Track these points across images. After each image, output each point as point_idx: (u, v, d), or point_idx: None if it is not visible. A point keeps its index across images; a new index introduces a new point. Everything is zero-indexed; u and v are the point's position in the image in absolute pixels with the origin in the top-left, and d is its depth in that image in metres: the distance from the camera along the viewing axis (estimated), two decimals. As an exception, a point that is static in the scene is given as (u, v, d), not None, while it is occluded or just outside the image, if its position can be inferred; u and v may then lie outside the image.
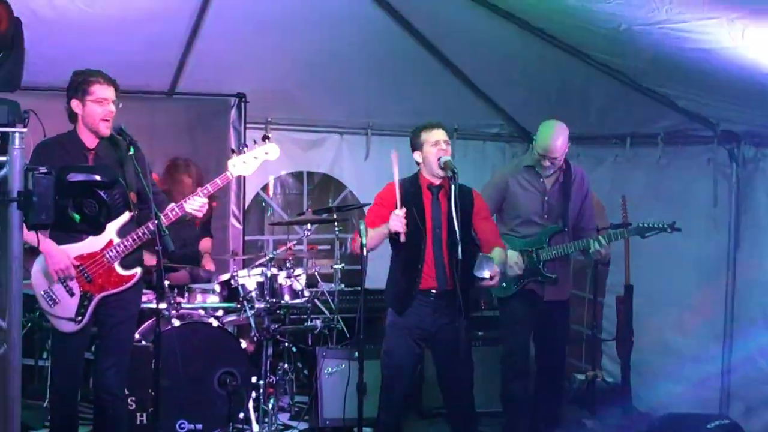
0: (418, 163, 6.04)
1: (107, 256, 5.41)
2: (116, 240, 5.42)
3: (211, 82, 8.43)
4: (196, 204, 5.51)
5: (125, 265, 5.50)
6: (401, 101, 8.91)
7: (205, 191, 5.58)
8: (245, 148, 5.71)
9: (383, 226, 5.69)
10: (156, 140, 7.80)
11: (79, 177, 3.79)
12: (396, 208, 5.65)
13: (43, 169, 3.75)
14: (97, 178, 3.82)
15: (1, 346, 3.82)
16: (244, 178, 8.56)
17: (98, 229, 3.97)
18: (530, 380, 6.74)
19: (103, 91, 5.37)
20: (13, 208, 3.72)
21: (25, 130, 3.74)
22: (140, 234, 5.44)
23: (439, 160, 5.81)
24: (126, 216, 5.43)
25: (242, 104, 8.57)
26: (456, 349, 5.72)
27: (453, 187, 5.60)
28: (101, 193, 3.81)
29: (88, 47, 7.25)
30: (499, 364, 6.83)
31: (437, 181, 5.94)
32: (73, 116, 5.41)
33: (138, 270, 5.59)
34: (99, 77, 5.41)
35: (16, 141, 3.73)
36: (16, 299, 3.82)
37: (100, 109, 5.36)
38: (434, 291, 5.83)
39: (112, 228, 5.40)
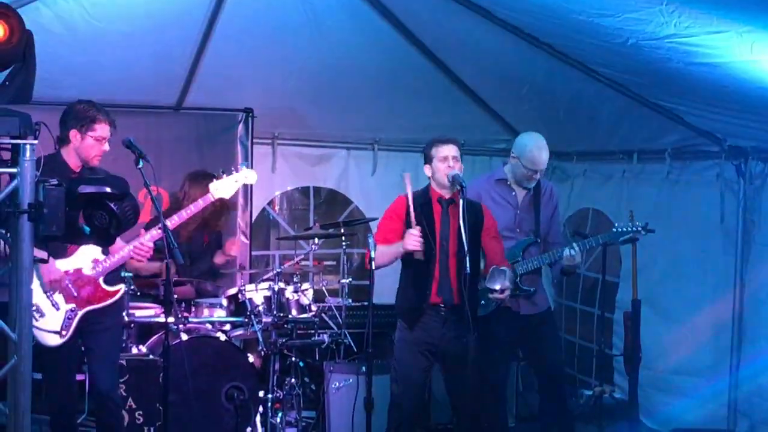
0: (428, 177, 6.06)
1: (93, 271, 5.52)
2: (101, 257, 5.55)
3: (219, 97, 8.43)
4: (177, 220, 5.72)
5: (109, 281, 5.64)
6: (409, 116, 8.93)
7: (189, 211, 5.80)
8: (224, 174, 5.97)
9: (397, 245, 5.74)
10: (163, 155, 7.82)
11: (90, 189, 3.82)
12: (407, 221, 5.67)
13: (54, 181, 3.78)
14: (108, 190, 3.84)
15: (12, 357, 3.83)
16: (252, 192, 8.61)
17: (108, 241, 4.00)
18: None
19: (104, 131, 5.54)
20: (23, 219, 3.74)
21: (36, 142, 3.77)
22: (125, 251, 5.60)
23: (447, 175, 5.83)
24: None
25: (249, 119, 8.57)
26: (464, 364, 5.70)
27: (462, 201, 5.60)
28: (112, 205, 3.84)
29: (96, 62, 7.30)
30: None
31: (447, 195, 5.97)
32: (64, 141, 5.49)
33: (122, 287, 5.79)
34: (103, 117, 5.56)
35: (27, 153, 3.76)
36: (26, 311, 3.84)
37: (98, 146, 5.51)
38: (442, 305, 5.82)
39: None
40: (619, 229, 6.38)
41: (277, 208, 9.70)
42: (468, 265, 5.45)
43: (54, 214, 3.69)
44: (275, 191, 9.41)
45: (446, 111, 8.83)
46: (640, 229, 6.36)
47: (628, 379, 7.47)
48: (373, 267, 5.45)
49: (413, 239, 5.65)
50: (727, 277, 7.09)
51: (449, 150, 5.98)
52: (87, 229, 3.82)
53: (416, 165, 9.02)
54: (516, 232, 6.52)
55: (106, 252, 5.55)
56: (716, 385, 7.10)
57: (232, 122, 8.60)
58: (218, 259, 7.85)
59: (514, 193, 6.55)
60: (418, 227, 5.69)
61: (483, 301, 6.29)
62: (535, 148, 6.40)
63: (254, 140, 8.69)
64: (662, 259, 7.20)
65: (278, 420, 6.82)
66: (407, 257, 5.84)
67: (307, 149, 9.36)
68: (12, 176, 3.75)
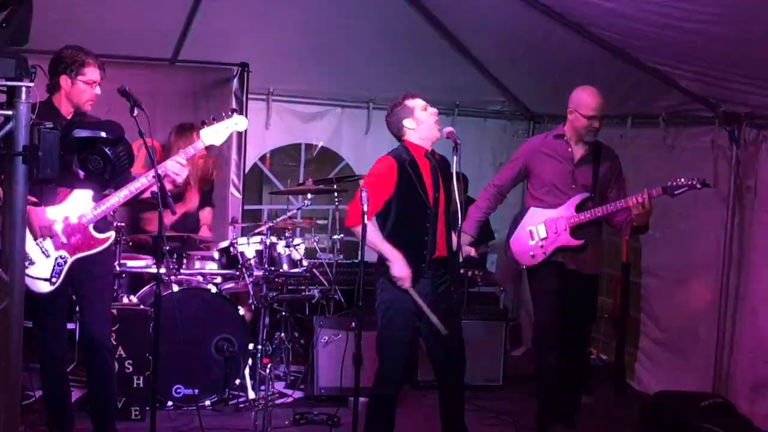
0: (405, 131, 5.87)
1: (82, 218, 5.49)
2: (91, 204, 5.51)
3: (214, 51, 8.41)
4: (174, 168, 5.59)
5: (99, 228, 5.59)
6: (404, 76, 8.88)
7: (182, 158, 5.67)
8: (214, 120, 5.84)
9: (387, 250, 5.67)
10: (158, 108, 7.77)
11: (85, 133, 3.82)
12: (399, 186, 5.65)
13: (49, 125, 3.77)
14: (103, 134, 3.85)
15: (4, 300, 3.84)
16: (245, 148, 8.62)
17: (103, 186, 4.00)
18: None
19: (94, 74, 5.47)
20: (18, 162, 3.74)
21: (32, 84, 3.75)
22: (116, 198, 5.51)
23: (440, 130, 5.78)
24: None
25: (245, 74, 8.53)
26: (449, 318, 5.71)
27: (456, 158, 5.58)
28: (106, 150, 3.84)
29: (94, 12, 7.27)
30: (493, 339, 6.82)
31: (429, 147, 5.85)
32: (54, 88, 5.45)
33: (111, 233, 5.73)
34: (93, 60, 5.49)
35: (23, 95, 3.75)
36: (18, 253, 3.85)
37: (89, 90, 5.45)
38: (434, 260, 5.79)
39: (87, 192, 5.45)
40: (675, 183, 6.26)
41: (268, 164, 9.67)
42: (460, 219, 5.48)
43: (49, 157, 3.69)
44: (267, 147, 9.40)
45: (442, 72, 8.82)
46: (695, 182, 6.23)
47: (615, 341, 7.53)
48: (366, 221, 5.39)
49: (404, 272, 5.65)
50: (717, 244, 7.10)
51: (422, 101, 5.90)
52: (81, 172, 3.82)
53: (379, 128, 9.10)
54: (571, 188, 6.44)
55: (96, 199, 5.52)
56: (705, 350, 7.12)
57: (226, 76, 8.59)
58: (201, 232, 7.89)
59: (570, 149, 6.49)
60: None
61: (532, 253, 6.45)
62: (589, 94, 6.39)
63: (249, 96, 8.66)
64: (659, 226, 7.22)
65: (267, 370, 6.80)
66: (394, 218, 5.75)
67: (301, 106, 9.35)
68: (7, 119, 3.74)
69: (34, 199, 4.95)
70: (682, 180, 6.21)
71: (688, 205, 7.02)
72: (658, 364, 7.68)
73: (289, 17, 7.96)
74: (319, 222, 8.79)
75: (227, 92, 8.53)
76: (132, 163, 4.44)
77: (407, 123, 5.83)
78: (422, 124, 5.81)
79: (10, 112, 3.72)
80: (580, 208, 6.40)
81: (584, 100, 6.40)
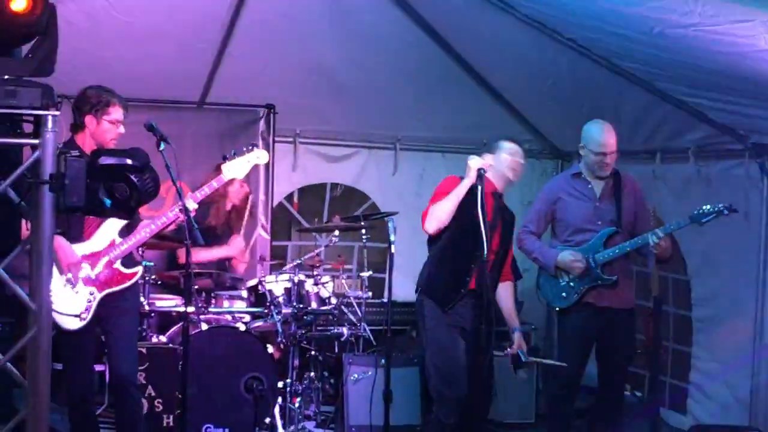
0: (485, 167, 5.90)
1: (110, 255, 5.55)
2: (118, 240, 5.59)
3: (241, 93, 8.48)
4: (191, 203, 5.67)
5: (126, 264, 5.65)
6: (431, 116, 8.94)
7: (202, 192, 5.81)
8: (236, 155, 5.98)
9: (457, 187, 5.77)
10: (186, 150, 7.83)
11: (111, 160, 3.82)
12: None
13: (76, 153, 3.78)
14: (129, 161, 3.85)
15: (32, 328, 3.83)
16: (272, 189, 8.68)
17: (129, 214, 4.01)
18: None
19: (118, 113, 5.55)
20: (44, 190, 3.75)
21: (57, 113, 3.77)
22: (142, 233, 5.65)
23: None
24: None
25: (271, 116, 8.60)
26: (478, 352, 5.69)
27: (479, 188, 5.60)
28: (132, 178, 3.84)
29: (120, 57, 7.34)
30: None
31: (501, 190, 6.06)
32: (78, 127, 5.52)
33: (139, 269, 5.78)
34: (117, 100, 5.57)
35: (49, 124, 3.77)
36: (45, 281, 3.84)
37: (113, 129, 5.52)
38: (473, 291, 5.80)
39: (113, 228, 5.58)
40: (702, 211, 6.19)
41: (296, 204, 9.68)
42: (485, 251, 5.49)
43: (75, 185, 3.69)
44: (294, 187, 9.39)
45: (468, 110, 8.84)
46: (722, 208, 6.18)
47: (648, 375, 7.42)
48: (392, 249, 5.41)
49: (476, 159, 5.73)
50: (750, 277, 7.01)
51: (519, 152, 6.12)
52: (108, 201, 3.82)
53: (437, 165, 9.12)
54: (597, 224, 6.40)
55: (123, 235, 5.57)
56: (738, 382, 7.01)
57: (253, 118, 8.68)
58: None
59: (590, 186, 6.46)
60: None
61: (564, 294, 6.37)
62: (599, 131, 6.36)
63: (276, 138, 8.71)
64: (694, 258, 7.16)
65: (297, 405, 6.75)
66: (445, 240, 5.82)
67: (328, 148, 9.35)
68: (34, 148, 3.76)
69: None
70: (708, 207, 6.16)
71: (728, 236, 6.96)
72: (711, 397, 7.51)
73: (314, 59, 8.02)
74: (347, 267, 8.79)
75: (254, 134, 8.59)
76: (157, 191, 4.45)
77: (487, 158, 5.95)
78: (502, 166, 6.04)
79: (36, 141, 3.74)
80: (607, 244, 6.35)
81: (593, 135, 6.40)
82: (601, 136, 6.34)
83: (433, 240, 5.99)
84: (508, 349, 6.14)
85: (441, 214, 5.72)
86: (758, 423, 6.77)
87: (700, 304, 7.66)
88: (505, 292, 6.19)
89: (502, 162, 6.03)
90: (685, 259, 7.64)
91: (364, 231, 7.75)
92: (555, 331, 8.44)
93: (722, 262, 7.36)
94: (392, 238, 5.42)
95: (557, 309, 6.54)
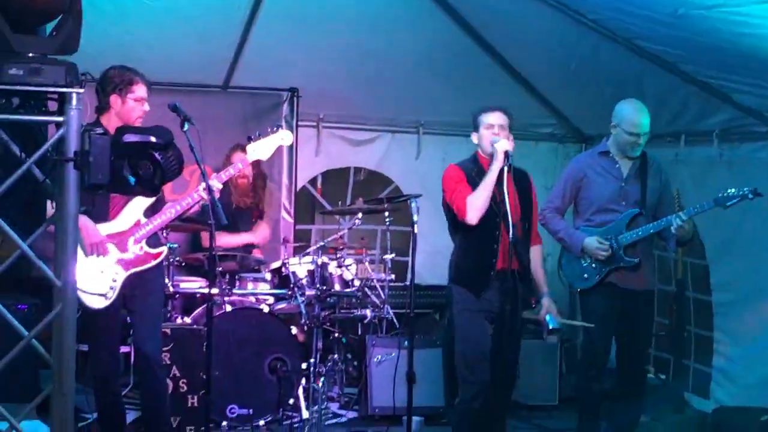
0: (476, 144, 6.00)
1: (136, 235, 5.60)
2: (143, 220, 5.65)
3: (265, 77, 8.53)
4: (216, 183, 5.72)
5: (151, 244, 5.71)
6: (453, 100, 8.90)
7: (227, 173, 5.86)
8: (260, 136, 6.03)
9: (488, 173, 5.69)
10: (209, 133, 7.81)
11: (135, 137, 3.84)
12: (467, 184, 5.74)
13: (100, 130, 3.80)
14: (153, 139, 3.86)
15: (57, 305, 3.86)
16: (296, 172, 8.71)
17: (153, 192, 4.03)
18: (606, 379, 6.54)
19: (142, 91, 5.60)
20: (69, 168, 3.77)
21: (82, 90, 3.79)
22: (167, 213, 5.71)
23: (490, 142, 5.79)
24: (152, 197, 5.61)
25: (295, 99, 8.65)
26: (513, 332, 5.68)
27: (505, 169, 5.59)
28: (156, 155, 3.85)
29: (144, 41, 7.39)
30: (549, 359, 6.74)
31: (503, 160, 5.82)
32: (104, 108, 5.57)
33: (164, 249, 5.85)
34: (141, 77, 5.62)
35: (74, 101, 3.78)
36: (71, 258, 3.86)
37: (138, 107, 5.57)
38: (502, 271, 5.73)
39: (138, 208, 5.63)
40: (726, 194, 6.10)
41: (319, 189, 9.71)
42: (512, 232, 5.46)
43: (100, 162, 3.70)
44: (317, 171, 9.43)
45: (492, 95, 8.70)
46: (747, 192, 6.09)
47: (672, 359, 7.41)
48: (416, 230, 5.41)
49: (503, 142, 5.69)
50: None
51: (496, 118, 5.89)
52: (132, 179, 3.84)
53: (460, 148, 9.08)
54: (621, 205, 6.36)
55: (147, 215, 5.63)
56: (761, 366, 6.99)
57: (277, 101, 8.73)
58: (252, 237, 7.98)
59: (617, 165, 6.40)
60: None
61: (586, 275, 6.34)
62: (633, 110, 6.29)
63: (299, 122, 8.74)
64: (713, 243, 7.13)
65: (321, 384, 6.77)
66: (464, 225, 5.75)
67: (351, 132, 9.40)
68: (58, 125, 3.78)
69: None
70: (733, 191, 6.10)
71: (752, 219, 6.93)
72: (733, 381, 7.48)
73: (338, 43, 8.03)
74: (371, 253, 8.81)
75: (277, 117, 8.63)
76: (181, 169, 4.46)
77: (473, 137, 6.05)
78: (482, 141, 5.96)
79: (61, 119, 3.77)
80: (630, 225, 6.32)
81: (628, 115, 6.31)
82: (636, 116, 6.27)
83: (454, 230, 5.96)
84: (539, 315, 6.10)
85: (480, 202, 5.63)
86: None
87: (719, 289, 7.61)
88: (533, 258, 6.06)
89: (482, 139, 5.94)
90: (704, 243, 7.61)
91: (387, 214, 7.76)
92: (578, 314, 8.44)
93: (742, 247, 7.31)
94: (415, 218, 5.42)
95: (579, 290, 6.50)
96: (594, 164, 6.49)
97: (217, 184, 5.65)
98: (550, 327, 6.02)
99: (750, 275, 7.27)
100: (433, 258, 7.83)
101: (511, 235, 5.53)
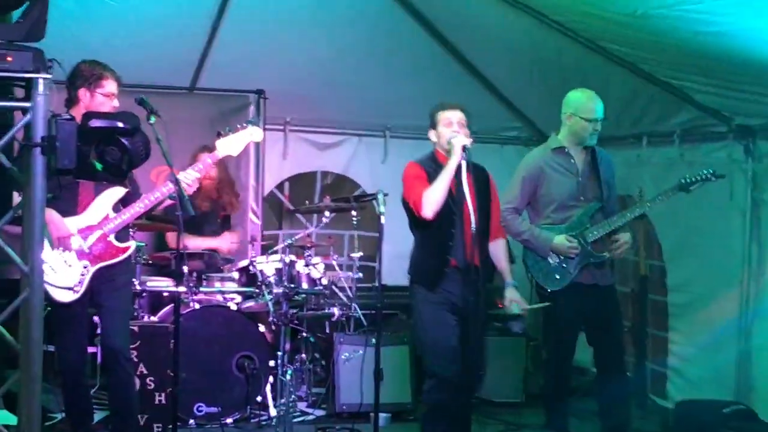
0: (433, 143, 6.03)
1: (104, 228, 5.57)
2: (112, 214, 5.61)
3: (232, 79, 8.52)
4: (189, 177, 5.68)
5: (120, 239, 5.68)
6: (420, 104, 8.89)
7: (197, 168, 5.80)
8: (230, 131, 5.97)
9: (445, 168, 5.66)
10: (176, 136, 7.82)
11: (101, 123, 3.88)
12: (426, 181, 5.72)
13: (66, 116, 3.83)
14: (120, 124, 3.90)
15: (24, 291, 3.88)
16: (263, 174, 8.77)
17: (121, 177, 4.06)
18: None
19: (112, 87, 5.57)
20: (36, 153, 3.80)
21: (49, 76, 3.82)
22: (136, 207, 5.64)
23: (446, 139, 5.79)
24: (121, 191, 5.59)
25: (261, 101, 8.66)
26: (476, 326, 5.69)
27: (463, 164, 5.59)
28: (123, 141, 3.89)
29: (109, 43, 7.36)
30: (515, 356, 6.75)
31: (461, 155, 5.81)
32: (72, 102, 5.53)
33: (132, 243, 5.82)
34: (110, 73, 5.60)
35: (40, 87, 3.82)
36: (37, 244, 3.89)
37: (108, 102, 5.51)
38: (459, 267, 5.74)
39: (108, 202, 5.58)
40: (688, 179, 6.22)
41: (287, 194, 9.73)
42: (474, 225, 5.42)
43: (66, 148, 3.73)
44: (284, 175, 9.46)
45: (458, 99, 8.57)
46: (708, 174, 6.20)
47: (635, 355, 7.47)
48: (383, 220, 5.43)
49: (461, 137, 5.69)
50: (736, 256, 7.08)
51: (454, 114, 5.93)
52: (99, 165, 3.87)
53: (426, 152, 9.14)
54: (580, 200, 6.36)
55: (116, 209, 5.62)
56: (717, 364, 7.10)
57: (244, 104, 8.74)
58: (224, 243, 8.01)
59: (573, 161, 6.39)
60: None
61: (557, 275, 6.30)
62: (588, 98, 6.30)
63: (266, 126, 8.73)
64: (673, 236, 7.20)
65: (288, 376, 6.74)
66: (422, 222, 5.75)
67: (318, 135, 9.42)
68: (25, 111, 3.81)
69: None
70: (695, 175, 6.21)
71: (709, 219, 7.03)
72: (688, 379, 7.56)
73: (305, 46, 8.06)
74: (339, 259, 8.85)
75: (244, 119, 8.43)
76: (148, 154, 4.49)
77: (430, 135, 6.10)
78: (440, 139, 5.96)
79: (28, 104, 3.80)
80: (592, 220, 6.34)
81: (584, 102, 6.31)
82: (591, 102, 6.28)
83: (413, 226, 5.95)
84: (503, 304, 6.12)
85: (437, 196, 5.60)
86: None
87: (675, 290, 7.73)
88: (496, 251, 6.06)
89: (440, 136, 5.95)
90: (661, 243, 7.71)
91: (354, 213, 7.78)
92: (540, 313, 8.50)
93: (698, 247, 7.44)
94: (382, 209, 5.45)
95: (549, 291, 6.37)
96: (549, 161, 6.45)
97: (188, 176, 5.64)
98: (515, 312, 6.07)
99: (707, 274, 7.39)
100: (399, 260, 7.82)
101: (474, 229, 5.54)
